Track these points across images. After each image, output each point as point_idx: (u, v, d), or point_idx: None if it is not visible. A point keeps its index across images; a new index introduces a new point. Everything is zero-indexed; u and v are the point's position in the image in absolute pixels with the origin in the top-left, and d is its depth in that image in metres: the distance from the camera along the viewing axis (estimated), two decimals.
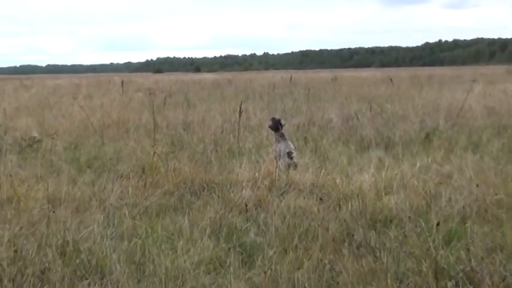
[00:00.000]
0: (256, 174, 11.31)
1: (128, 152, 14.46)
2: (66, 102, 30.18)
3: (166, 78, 69.47)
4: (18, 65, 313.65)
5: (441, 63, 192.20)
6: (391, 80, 40.78)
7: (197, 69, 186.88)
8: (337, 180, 10.97)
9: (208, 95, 34.73)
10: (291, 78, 43.36)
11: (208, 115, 21.56)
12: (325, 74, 70.15)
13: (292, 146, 13.40)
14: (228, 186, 10.91)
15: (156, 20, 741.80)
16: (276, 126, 13.53)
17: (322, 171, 11.54)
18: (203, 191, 11.05)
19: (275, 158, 12.50)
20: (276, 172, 11.12)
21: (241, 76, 69.92)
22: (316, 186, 10.88)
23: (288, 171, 12.06)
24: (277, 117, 14.19)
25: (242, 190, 10.46)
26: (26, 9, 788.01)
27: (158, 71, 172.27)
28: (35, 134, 16.22)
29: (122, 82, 39.71)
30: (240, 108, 15.41)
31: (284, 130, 13.71)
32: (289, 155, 12.75)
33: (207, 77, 72.47)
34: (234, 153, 14.47)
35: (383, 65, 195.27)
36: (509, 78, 46.70)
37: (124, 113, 22.00)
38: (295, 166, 12.52)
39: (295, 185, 10.96)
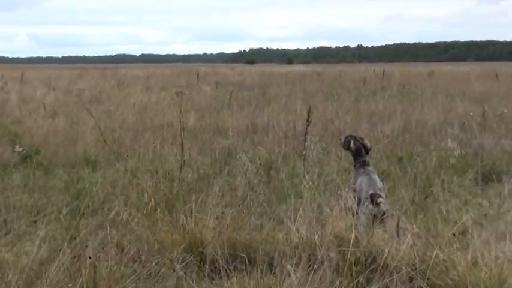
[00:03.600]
0: (316, 236, 6.92)
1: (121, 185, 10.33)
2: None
3: (253, 70, 66.13)
4: (113, 54, 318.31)
5: None
6: (496, 75, 36.54)
7: (290, 61, 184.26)
8: (456, 257, 6.33)
9: (290, 89, 30.94)
10: (383, 72, 39.63)
11: (279, 117, 17.42)
12: (421, 68, 65.93)
13: (379, 182, 8.29)
14: (268, 259, 6.88)
15: (250, 10, 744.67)
16: (356, 149, 8.61)
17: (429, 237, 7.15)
18: (228, 264, 6.99)
19: (352, 202, 7.99)
20: (351, 232, 6.76)
21: (332, 68, 66.22)
22: (419, 270, 6.48)
23: (372, 228, 7.46)
24: (357, 136, 9.01)
25: (291, 268, 6.27)
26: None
27: (250, 61, 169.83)
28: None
29: (198, 75, 36.92)
30: (308, 116, 10.93)
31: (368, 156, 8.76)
32: (374, 198, 7.76)
33: (297, 69, 69.07)
34: (290, 190, 9.67)
35: (479, 59, 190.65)
36: None
37: (163, 115, 18.15)
38: (383, 217, 7.76)
39: (381, 261, 6.53)
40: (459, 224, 7.29)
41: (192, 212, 7.62)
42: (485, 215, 8.40)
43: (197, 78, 36.26)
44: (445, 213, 8.27)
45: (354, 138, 8.72)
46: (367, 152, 8.57)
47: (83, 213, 8.91)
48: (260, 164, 10.89)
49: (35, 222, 8.78)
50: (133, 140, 14.58)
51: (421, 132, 15.22)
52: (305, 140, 11.16)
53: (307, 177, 9.06)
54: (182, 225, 7.38)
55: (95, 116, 18.65)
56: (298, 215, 7.35)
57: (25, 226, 8.50)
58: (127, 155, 11.88)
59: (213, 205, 7.88)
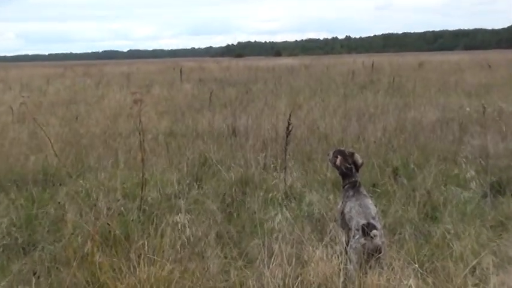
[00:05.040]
0: (296, 283, 5.46)
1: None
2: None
3: (240, 64, 64.75)
4: (101, 51, 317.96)
5: None
6: (489, 65, 35.39)
7: (278, 54, 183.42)
8: None
9: (276, 85, 29.57)
10: (372, 65, 38.42)
11: (262, 119, 15.94)
12: (410, 58, 64.85)
13: (372, 207, 6.64)
14: None
15: (237, 4, 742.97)
16: (346, 168, 7.04)
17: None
18: None
19: (340, 234, 6.65)
20: (339, 277, 5.32)
21: (320, 61, 64.88)
22: None
23: (365, 267, 5.97)
24: (346, 149, 7.39)
25: None
26: None
27: (239, 55, 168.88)
28: None
29: (181, 70, 35.69)
30: (289, 125, 9.46)
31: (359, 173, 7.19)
32: (367, 230, 6.16)
33: (285, 62, 67.86)
34: (264, 220, 7.98)
35: (468, 47, 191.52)
36: None
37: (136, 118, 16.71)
38: (379, 254, 6.15)
39: None
40: (474, 262, 5.88)
41: (144, 252, 6.22)
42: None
43: (180, 75, 34.97)
44: (455, 248, 6.74)
45: (343, 153, 7.18)
46: (357, 169, 7.14)
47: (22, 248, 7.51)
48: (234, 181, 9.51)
49: None
50: (99, 148, 13.15)
51: (416, 132, 13.80)
52: (285, 154, 9.76)
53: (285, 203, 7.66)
54: (130, 269, 5.95)
55: (64, 121, 17.38)
56: (274, 255, 5.91)
57: None
58: (78, 174, 10.45)
59: (172, 242, 6.48)
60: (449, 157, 11.64)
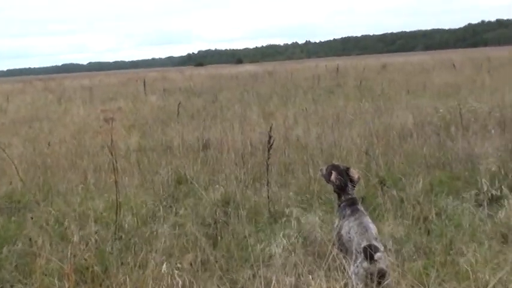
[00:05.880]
0: None
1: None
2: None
3: (203, 73, 64.36)
4: (60, 64, 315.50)
5: (485, 43, 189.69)
6: (454, 65, 35.29)
7: (239, 61, 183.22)
8: None
9: (242, 93, 29.06)
10: (337, 68, 38.18)
11: (234, 130, 15.35)
12: (372, 61, 64.99)
13: (373, 227, 6.14)
14: None
15: (196, 12, 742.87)
16: (341, 184, 6.58)
17: None
18: None
19: (341, 256, 6.10)
20: None
21: (282, 66, 64.64)
22: None
23: None
24: (341, 165, 6.92)
25: None
26: (68, 8, 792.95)
27: (199, 64, 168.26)
28: None
29: (144, 83, 35.05)
30: (270, 138, 8.86)
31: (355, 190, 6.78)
32: (369, 252, 5.63)
33: (247, 69, 67.40)
34: (255, 247, 7.26)
35: (427, 48, 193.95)
36: None
37: (104, 135, 15.99)
38: (383, 278, 5.63)
39: None
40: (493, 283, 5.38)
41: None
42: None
43: (144, 87, 34.31)
44: (463, 265, 6.23)
45: (337, 168, 6.68)
46: (353, 185, 6.62)
47: None
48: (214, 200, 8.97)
49: None
50: (67, 169, 12.51)
51: (394, 138, 13.34)
52: (267, 170, 9.24)
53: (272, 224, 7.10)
54: None
55: (27, 140, 16.68)
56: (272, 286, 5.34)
57: None
58: (46, 199, 9.82)
59: (154, 274, 5.91)
60: (434, 163, 11.19)
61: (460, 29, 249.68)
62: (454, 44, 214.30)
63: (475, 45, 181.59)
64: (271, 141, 8.79)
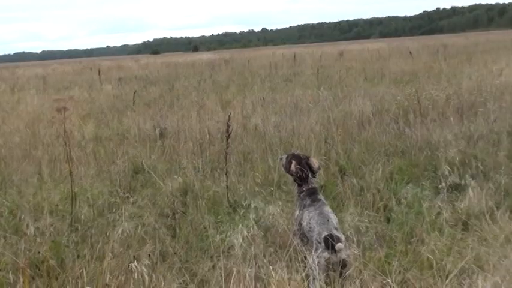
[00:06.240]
0: None
1: None
2: None
3: (159, 61, 63.81)
4: (13, 53, 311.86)
5: (440, 31, 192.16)
6: (410, 52, 35.43)
7: (195, 49, 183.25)
8: None
9: (199, 81, 28.82)
10: (294, 56, 38.14)
11: (191, 118, 15.18)
12: (328, 48, 65.09)
13: (333, 217, 6.03)
14: None
15: (151, 0, 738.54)
16: (301, 174, 6.47)
17: None
18: None
19: (299, 247, 6.00)
20: None
21: (239, 54, 64.42)
22: None
23: (333, 287, 5.42)
24: (301, 154, 6.82)
25: None
26: None
27: (155, 52, 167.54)
28: None
29: (99, 71, 34.60)
30: (228, 127, 8.70)
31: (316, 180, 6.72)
32: (330, 241, 5.54)
33: (204, 57, 67.06)
34: (215, 235, 7.10)
35: (383, 35, 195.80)
36: None
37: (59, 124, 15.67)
38: (344, 269, 5.57)
39: None
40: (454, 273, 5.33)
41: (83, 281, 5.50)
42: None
43: (99, 75, 33.92)
44: (425, 253, 6.19)
45: (297, 158, 6.57)
46: (314, 175, 6.52)
47: None
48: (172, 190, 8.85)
49: None
50: (21, 159, 12.26)
51: (353, 126, 13.28)
52: (226, 159, 9.12)
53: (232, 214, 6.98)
54: None
55: None
56: (232, 279, 5.22)
57: None
58: None
59: (111, 266, 5.77)
60: (393, 151, 11.16)
61: (415, 16, 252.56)
62: (410, 31, 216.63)
63: (430, 32, 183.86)
64: (230, 130, 8.65)
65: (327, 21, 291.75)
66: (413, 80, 21.96)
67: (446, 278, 5.56)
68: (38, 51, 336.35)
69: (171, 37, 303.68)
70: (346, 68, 30.47)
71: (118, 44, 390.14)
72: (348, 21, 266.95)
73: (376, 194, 8.34)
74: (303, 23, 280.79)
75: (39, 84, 34.36)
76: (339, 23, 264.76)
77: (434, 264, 5.84)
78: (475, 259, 5.99)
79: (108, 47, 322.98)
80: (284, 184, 9.21)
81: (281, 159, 6.84)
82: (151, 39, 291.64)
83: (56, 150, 12.80)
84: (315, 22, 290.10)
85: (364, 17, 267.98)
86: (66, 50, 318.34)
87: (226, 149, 8.89)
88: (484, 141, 11.02)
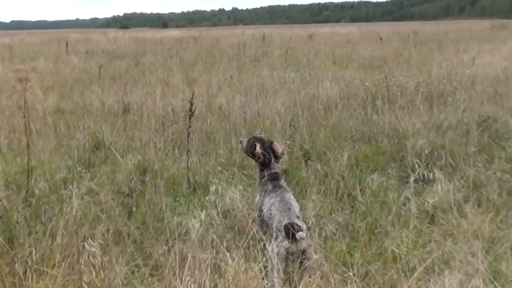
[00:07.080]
0: None
1: None
2: None
3: (127, 36, 63.12)
4: None
5: (411, 18, 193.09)
6: (380, 38, 35.34)
7: (164, 25, 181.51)
8: None
9: (166, 58, 28.52)
10: (264, 36, 37.94)
11: (156, 94, 14.85)
12: (299, 31, 64.78)
13: (295, 204, 5.77)
14: None
15: None
16: (264, 159, 6.19)
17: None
18: None
19: (258, 236, 5.81)
20: None
21: (208, 33, 64.02)
22: None
23: (290, 276, 5.23)
24: (264, 138, 6.51)
25: None
26: None
27: (124, 26, 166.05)
28: None
29: (66, 43, 34.23)
30: (191, 105, 8.49)
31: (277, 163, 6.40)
32: (291, 230, 5.29)
33: (172, 33, 66.57)
34: (171, 217, 6.81)
35: (353, 20, 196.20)
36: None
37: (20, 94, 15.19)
38: (304, 259, 5.36)
39: None
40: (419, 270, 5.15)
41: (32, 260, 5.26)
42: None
43: (66, 47, 33.51)
44: (389, 245, 6.03)
45: (261, 141, 6.29)
46: (277, 160, 6.31)
47: None
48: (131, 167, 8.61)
49: None
50: None
51: (319, 110, 13.08)
52: (188, 138, 8.88)
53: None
54: (15, 285, 4.98)
55: None
56: (187, 265, 5.00)
57: None
58: None
59: (63, 245, 5.53)
60: (359, 137, 11.00)
61: (387, 2, 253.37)
62: (380, 16, 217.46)
63: (401, 18, 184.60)
64: (193, 109, 8.41)
65: (298, 3, 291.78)
66: (383, 66, 21.80)
67: (411, 273, 5.39)
68: (7, 20, 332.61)
69: (141, 12, 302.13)
70: (315, 51, 30.24)
71: (88, 17, 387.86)
72: (318, 4, 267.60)
73: (340, 181, 8.17)
74: (273, 4, 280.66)
75: (5, 53, 33.74)
76: (310, 5, 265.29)
77: (398, 259, 5.70)
78: (441, 255, 5.83)
79: (77, 19, 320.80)
80: (246, 167, 9.00)
81: (241, 142, 6.57)
82: (121, 14, 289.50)
83: (16, 121, 12.51)
84: (286, 4, 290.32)
85: (336, 1, 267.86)
86: (35, 21, 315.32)
87: (189, 127, 8.64)
88: (453, 131, 10.87)
